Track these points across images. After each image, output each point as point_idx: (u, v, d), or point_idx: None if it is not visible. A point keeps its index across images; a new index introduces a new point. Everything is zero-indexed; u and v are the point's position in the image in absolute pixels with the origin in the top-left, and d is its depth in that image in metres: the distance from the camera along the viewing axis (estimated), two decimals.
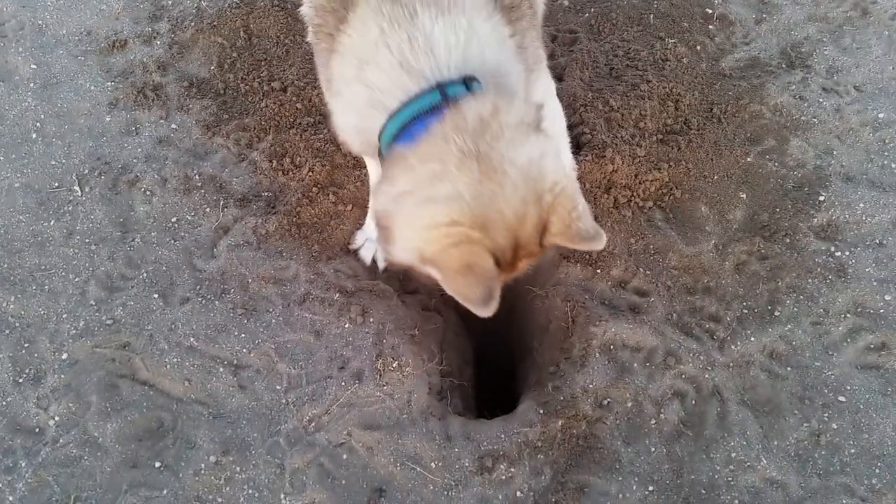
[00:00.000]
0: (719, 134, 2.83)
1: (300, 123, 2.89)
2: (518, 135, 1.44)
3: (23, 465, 2.12)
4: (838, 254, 2.50)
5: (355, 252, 2.59)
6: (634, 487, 2.07)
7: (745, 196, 2.67)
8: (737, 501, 2.04)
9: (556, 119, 2.35)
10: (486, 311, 1.39)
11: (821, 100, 2.95)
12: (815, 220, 2.59)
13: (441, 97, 1.48)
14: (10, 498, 2.08)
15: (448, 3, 1.54)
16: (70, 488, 2.08)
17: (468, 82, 1.52)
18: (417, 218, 1.44)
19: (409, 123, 1.51)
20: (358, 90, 1.61)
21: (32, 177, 2.75)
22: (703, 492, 2.06)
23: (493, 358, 2.91)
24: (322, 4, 1.74)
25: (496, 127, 1.42)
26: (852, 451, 2.11)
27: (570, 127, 2.90)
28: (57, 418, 2.20)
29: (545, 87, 2.15)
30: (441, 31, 1.52)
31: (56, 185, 2.74)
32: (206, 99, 3.01)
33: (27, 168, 2.77)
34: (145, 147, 2.85)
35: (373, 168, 2.39)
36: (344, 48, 1.65)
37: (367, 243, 2.58)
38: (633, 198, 2.65)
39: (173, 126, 2.92)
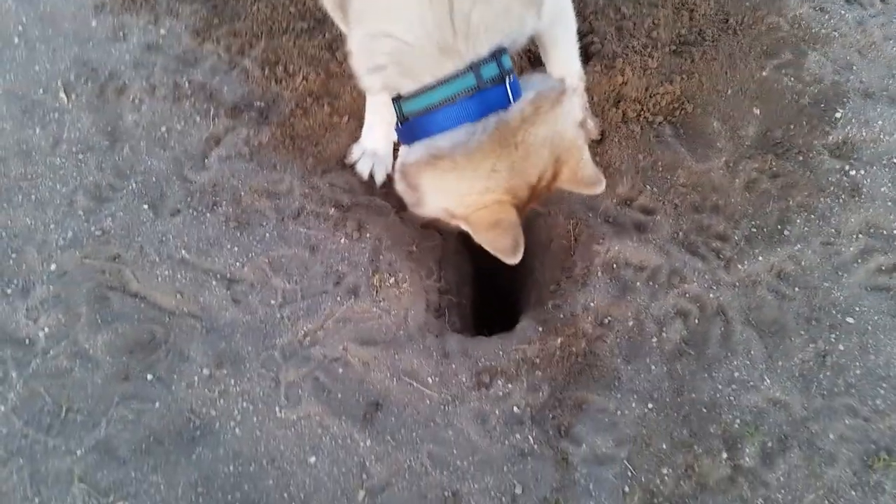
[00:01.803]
0: (734, 46, 2.70)
1: (294, 29, 2.75)
2: (549, 115, 1.57)
3: (13, 375, 2.09)
4: (853, 172, 2.41)
5: (352, 166, 2.49)
6: (633, 405, 2.04)
7: (758, 112, 2.55)
8: (738, 421, 2.01)
9: (567, 26, 2.23)
10: (514, 259, 1.58)
11: (843, 12, 2.79)
12: (830, 137, 2.48)
13: (475, 80, 1.52)
14: (2, 408, 2.06)
15: None
16: (61, 399, 2.06)
17: (498, 56, 1.55)
18: (454, 187, 1.58)
19: (441, 104, 1.55)
20: (389, 64, 1.59)
21: (15, 83, 2.62)
22: (704, 410, 2.03)
23: (493, 277, 2.86)
24: None
25: (535, 118, 1.55)
26: (857, 372, 2.07)
27: (581, 35, 2.75)
28: (47, 329, 2.15)
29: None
30: (478, 15, 1.51)
31: (41, 91, 2.62)
32: (196, 3, 2.85)
33: (10, 74, 2.64)
34: (133, 53, 2.71)
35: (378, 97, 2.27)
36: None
37: (363, 157, 2.48)
38: (642, 112, 2.53)
39: (162, 31, 2.78)
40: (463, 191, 1.58)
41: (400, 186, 1.70)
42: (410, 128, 1.62)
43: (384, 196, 2.47)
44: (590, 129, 2.44)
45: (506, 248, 1.56)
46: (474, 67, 1.52)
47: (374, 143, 2.44)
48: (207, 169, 2.44)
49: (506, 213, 1.57)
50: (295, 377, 2.07)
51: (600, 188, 1.66)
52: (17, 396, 2.07)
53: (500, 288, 2.82)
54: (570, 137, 1.63)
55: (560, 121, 1.60)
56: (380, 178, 2.46)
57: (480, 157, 1.53)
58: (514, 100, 1.55)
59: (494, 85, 1.53)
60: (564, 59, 2.30)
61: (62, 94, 2.60)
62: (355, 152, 2.48)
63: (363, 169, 2.47)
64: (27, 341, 2.14)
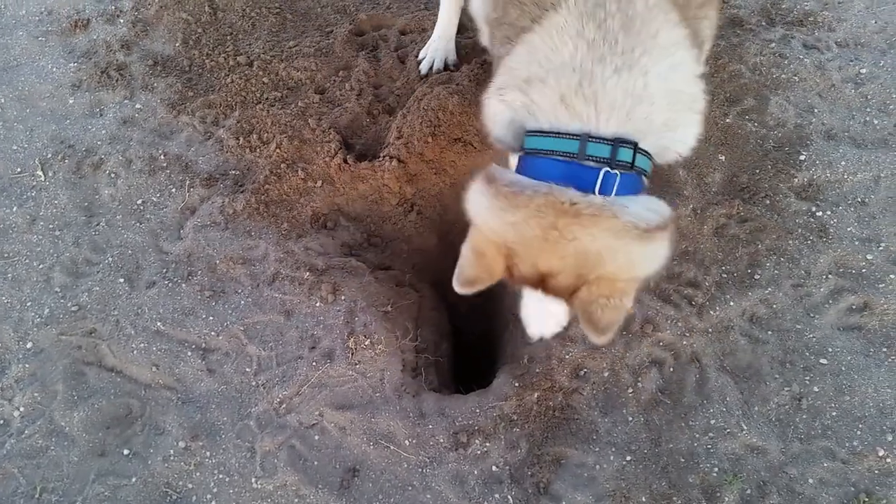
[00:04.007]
0: None
1: (267, 98, 2.81)
2: (605, 232, 1.43)
3: None
4: (819, 214, 2.44)
5: (419, 62, 2.92)
6: (612, 458, 2.03)
7: (723, 158, 2.60)
8: (717, 469, 2.00)
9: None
10: (459, 289, 1.56)
11: (801, 57, 2.87)
12: (796, 180, 2.52)
13: (578, 149, 1.48)
14: None
15: (634, 59, 1.48)
16: (36, 479, 2.04)
17: (617, 143, 1.48)
18: (480, 215, 1.55)
19: (541, 153, 1.53)
20: (518, 96, 1.59)
21: None
22: (682, 460, 2.02)
23: (472, 332, 2.87)
24: None
25: (586, 220, 1.43)
26: (833, 413, 2.07)
27: None
28: (22, 409, 2.15)
29: None
30: (613, 86, 1.47)
31: (18, 170, 2.67)
32: (170, 77, 2.92)
33: None
34: (109, 128, 2.77)
35: None
36: (524, 46, 1.59)
37: (426, 58, 2.90)
38: None
39: (138, 106, 2.84)
40: (483, 214, 1.55)
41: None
42: (522, 162, 1.61)
43: (359, 257, 2.50)
44: None
45: (464, 276, 1.56)
46: (583, 139, 1.48)
47: (436, 52, 2.88)
48: (183, 239, 2.46)
49: (493, 256, 1.53)
50: (270, 446, 2.06)
51: (598, 340, 1.49)
52: None
53: (479, 343, 2.82)
54: (610, 269, 1.46)
55: (617, 247, 1.45)
56: (425, 69, 2.89)
57: (516, 205, 1.48)
58: (602, 192, 1.47)
59: (594, 165, 1.48)
60: None
61: (39, 172, 2.65)
62: (425, 54, 2.92)
63: (424, 66, 2.90)
64: (1, 422, 2.14)
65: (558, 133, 1.51)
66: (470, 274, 1.55)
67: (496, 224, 1.52)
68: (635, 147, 1.50)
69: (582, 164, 1.48)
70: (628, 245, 1.44)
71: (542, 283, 1.55)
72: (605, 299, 1.46)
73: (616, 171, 1.48)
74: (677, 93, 1.56)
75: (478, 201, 1.56)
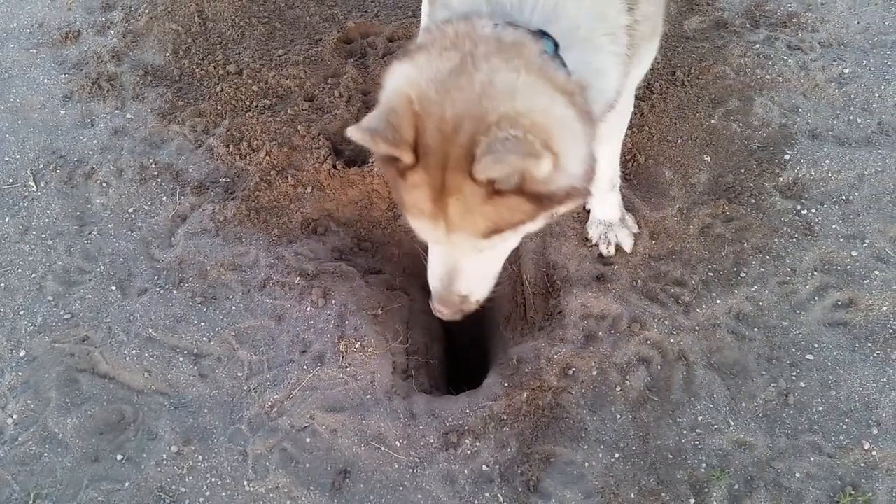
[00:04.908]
0: (683, 97, 2.79)
1: (257, 106, 2.84)
2: (520, 68, 1.29)
3: None
4: (804, 212, 2.47)
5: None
6: (601, 455, 2.04)
7: (709, 159, 2.63)
8: (704, 465, 2.02)
9: (622, 123, 2.09)
10: (352, 133, 1.29)
11: (785, 57, 2.90)
12: (781, 179, 2.55)
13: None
14: None
15: None
16: (30, 486, 2.05)
17: (541, 36, 1.38)
18: (393, 73, 1.43)
19: None
20: (440, 12, 1.53)
21: None
22: (670, 457, 2.04)
23: (464, 335, 2.88)
24: None
25: (506, 52, 1.31)
26: (820, 408, 2.09)
27: None
28: (15, 416, 2.16)
29: (637, 74, 1.88)
30: None
31: (10, 181, 2.69)
32: (161, 86, 2.95)
33: None
34: (101, 138, 2.80)
35: None
36: None
37: None
38: None
39: (129, 116, 2.87)
40: (395, 69, 1.43)
41: None
42: None
43: (349, 262, 2.52)
44: (630, 226, 2.43)
45: (365, 122, 1.31)
46: (503, 23, 1.37)
47: None
48: (174, 246, 2.49)
49: (404, 111, 1.32)
50: (262, 449, 2.08)
51: (479, 171, 1.22)
52: None
53: (471, 345, 2.84)
54: (520, 106, 1.26)
55: (530, 87, 1.29)
56: None
57: (430, 41, 1.37)
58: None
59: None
60: (608, 155, 2.22)
61: (31, 183, 2.67)
62: None
63: None
64: None
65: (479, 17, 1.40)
66: (371, 123, 1.29)
67: (407, 69, 1.37)
68: (558, 51, 1.40)
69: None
70: (547, 88, 1.31)
71: (447, 163, 1.30)
72: (507, 133, 1.21)
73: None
74: (604, 16, 1.48)
75: (393, 66, 1.43)
